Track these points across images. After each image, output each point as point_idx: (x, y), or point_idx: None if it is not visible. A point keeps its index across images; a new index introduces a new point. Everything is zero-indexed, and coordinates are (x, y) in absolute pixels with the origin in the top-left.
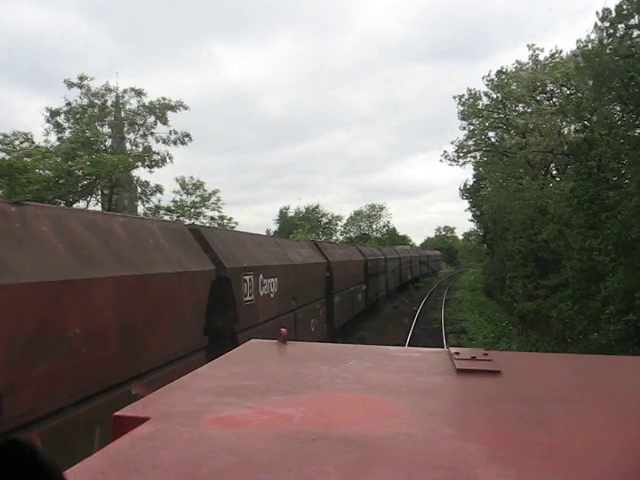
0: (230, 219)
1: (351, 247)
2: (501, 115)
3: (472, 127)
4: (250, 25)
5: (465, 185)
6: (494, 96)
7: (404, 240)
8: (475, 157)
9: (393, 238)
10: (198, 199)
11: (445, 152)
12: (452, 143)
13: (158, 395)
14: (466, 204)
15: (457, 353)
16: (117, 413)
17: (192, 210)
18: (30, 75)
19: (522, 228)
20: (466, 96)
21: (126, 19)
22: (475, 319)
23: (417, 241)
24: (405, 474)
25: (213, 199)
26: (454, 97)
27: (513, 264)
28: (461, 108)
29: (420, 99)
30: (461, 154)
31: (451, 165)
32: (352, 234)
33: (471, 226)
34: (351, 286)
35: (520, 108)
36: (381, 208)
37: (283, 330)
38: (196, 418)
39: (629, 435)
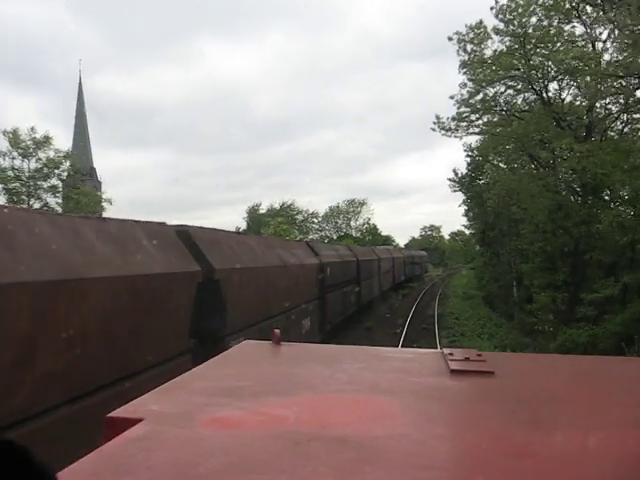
0: (103, 198)
1: (296, 244)
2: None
3: (474, 83)
4: (242, 21)
5: (457, 174)
6: (509, 29)
7: (387, 240)
8: (478, 127)
9: (375, 237)
10: (41, 165)
11: (439, 118)
12: (451, 98)
13: (152, 396)
14: (454, 202)
15: (451, 354)
16: (110, 414)
17: (31, 184)
18: (16, 71)
19: (549, 218)
20: (469, 35)
21: (115, 15)
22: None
23: (401, 242)
24: (399, 474)
25: (66, 165)
26: (449, 39)
27: (530, 268)
28: (464, 57)
29: (412, 98)
30: (462, 122)
31: (445, 135)
32: (327, 232)
33: (461, 222)
34: (285, 311)
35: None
36: (361, 204)
37: (276, 331)
38: (190, 419)
39: (623, 436)
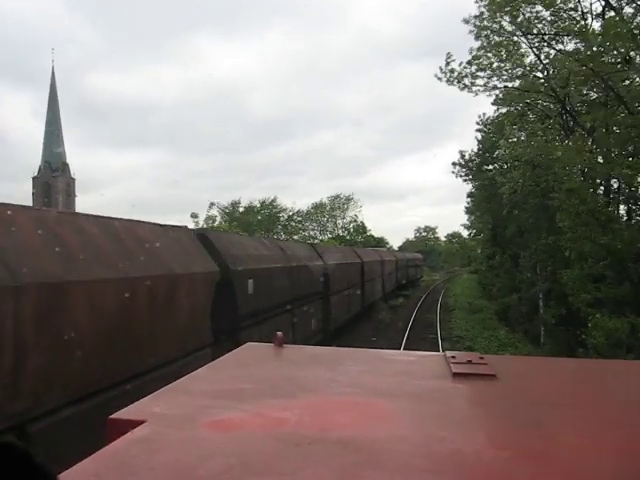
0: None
1: (159, 230)
2: None
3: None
4: (242, 19)
5: (463, 156)
6: None
7: (381, 242)
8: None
9: (367, 239)
10: None
11: (449, 58)
12: (466, 22)
13: (154, 398)
14: (451, 204)
15: (453, 357)
16: (112, 416)
17: None
18: (11, 69)
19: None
20: None
21: (112, 12)
22: None
23: (395, 244)
24: (400, 477)
25: None
26: None
27: (576, 277)
28: None
29: (411, 99)
30: (481, 71)
31: (452, 85)
32: (312, 232)
33: (460, 223)
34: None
35: None
36: (348, 199)
37: (279, 333)
38: (192, 421)
39: (624, 439)
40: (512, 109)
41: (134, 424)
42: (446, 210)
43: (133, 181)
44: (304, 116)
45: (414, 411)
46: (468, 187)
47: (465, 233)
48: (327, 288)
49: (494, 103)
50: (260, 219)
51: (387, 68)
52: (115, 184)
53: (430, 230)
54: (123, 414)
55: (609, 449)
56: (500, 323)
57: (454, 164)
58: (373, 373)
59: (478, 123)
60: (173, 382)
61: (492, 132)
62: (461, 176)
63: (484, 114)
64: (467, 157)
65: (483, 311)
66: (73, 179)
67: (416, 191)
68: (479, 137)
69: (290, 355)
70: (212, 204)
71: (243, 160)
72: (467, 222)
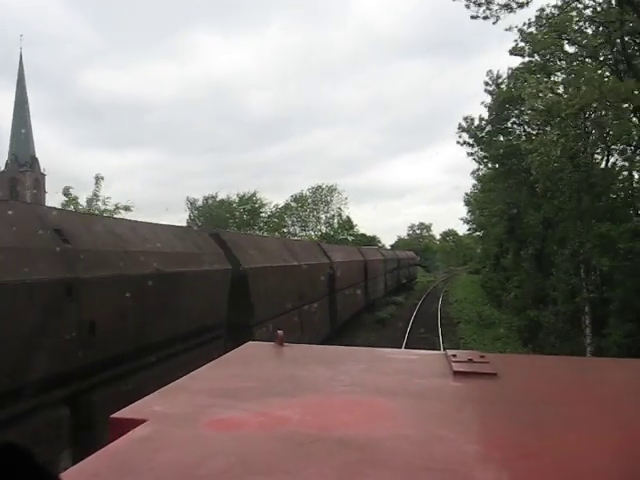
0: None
1: None
2: None
3: None
4: (239, 15)
5: (471, 122)
6: None
7: (373, 241)
8: None
9: (358, 237)
10: None
11: None
12: None
13: (155, 397)
14: (449, 202)
15: (454, 355)
16: (114, 415)
17: None
18: (10, 67)
19: None
20: None
21: (106, 7)
22: None
23: (388, 242)
24: (402, 476)
25: None
26: None
27: None
28: None
29: (408, 98)
30: None
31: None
32: (290, 228)
33: (456, 220)
34: None
35: None
36: (331, 190)
37: (279, 332)
38: (193, 420)
39: (625, 438)
40: (538, 57)
41: (135, 423)
42: (441, 208)
43: (129, 181)
44: (301, 114)
45: (415, 410)
46: (467, 181)
47: (461, 230)
48: (249, 315)
49: (513, 51)
50: (237, 214)
51: (385, 65)
52: (112, 184)
53: (424, 227)
54: (124, 413)
55: (611, 448)
56: (525, 346)
57: (460, 128)
58: (374, 372)
59: (487, 83)
60: (174, 381)
61: (512, 85)
62: (469, 144)
63: (490, 71)
64: (477, 124)
65: (496, 325)
66: (43, 174)
67: (413, 190)
68: (488, 101)
69: (291, 354)
70: (67, 189)
71: (239, 159)
72: (466, 216)
